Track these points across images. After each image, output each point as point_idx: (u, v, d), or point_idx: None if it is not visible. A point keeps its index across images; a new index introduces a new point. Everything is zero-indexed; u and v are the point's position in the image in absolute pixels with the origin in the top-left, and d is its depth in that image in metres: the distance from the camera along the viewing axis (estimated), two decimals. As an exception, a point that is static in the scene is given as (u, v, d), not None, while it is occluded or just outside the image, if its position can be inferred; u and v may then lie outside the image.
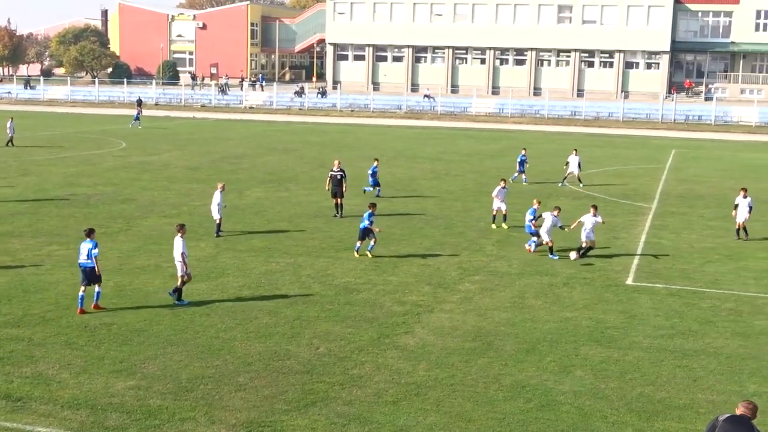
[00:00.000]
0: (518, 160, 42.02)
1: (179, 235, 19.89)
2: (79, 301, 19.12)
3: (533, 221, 26.42)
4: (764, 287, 22.88)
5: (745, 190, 29.93)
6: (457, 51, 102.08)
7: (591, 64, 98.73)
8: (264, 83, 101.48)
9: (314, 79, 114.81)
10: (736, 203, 29.63)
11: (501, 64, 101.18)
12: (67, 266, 22.76)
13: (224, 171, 43.10)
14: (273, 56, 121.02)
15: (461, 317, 19.58)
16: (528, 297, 21.39)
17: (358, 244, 25.20)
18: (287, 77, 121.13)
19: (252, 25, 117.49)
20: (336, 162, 32.16)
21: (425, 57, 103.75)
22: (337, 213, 31.23)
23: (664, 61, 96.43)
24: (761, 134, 76.37)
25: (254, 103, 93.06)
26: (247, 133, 64.70)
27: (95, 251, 18.94)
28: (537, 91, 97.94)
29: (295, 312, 19.60)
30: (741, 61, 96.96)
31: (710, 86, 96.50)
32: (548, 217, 26.05)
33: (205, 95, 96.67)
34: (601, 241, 28.12)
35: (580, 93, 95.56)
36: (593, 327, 19.10)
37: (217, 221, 27.57)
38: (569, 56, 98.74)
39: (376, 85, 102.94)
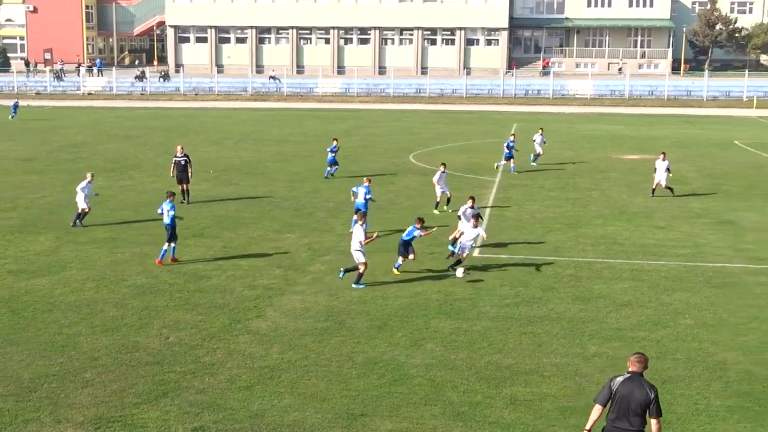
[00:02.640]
0: (505, 145, 38.95)
1: None
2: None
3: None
4: (601, 253, 23.95)
5: (664, 153, 33.12)
6: (301, 31, 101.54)
7: (434, 42, 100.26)
8: (102, 68, 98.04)
9: (155, 62, 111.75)
10: (655, 166, 32.68)
11: (345, 43, 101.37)
12: None
13: (62, 161, 41.47)
14: (111, 40, 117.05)
15: (313, 298, 19.60)
16: (378, 274, 21.60)
17: (399, 260, 21.79)
18: (127, 61, 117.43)
19: (87, 7, 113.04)
20: (179, 147, 31.46)
21: (269, 38, 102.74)
22: (184, 199, 30.59)
23: (503, 37, 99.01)
24: (596, 106, 79.66)
25: (93, 89, 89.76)
26: (87, 121, 62.40)
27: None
28: (382, 70, 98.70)
29: (143, 302, 19.13)
30: (575, 37, 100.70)
31: (547, 60, 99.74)
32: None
33: (40, 82, 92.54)
34: (447, 214, 28.71)
35: (424, 71, 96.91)
36: (442, 300, 19.51)
37: (80, 211, 26.78)
38: (412, 34, 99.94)
39: (220, 68, 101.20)
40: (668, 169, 32.41)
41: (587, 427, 10.87)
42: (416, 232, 21.51)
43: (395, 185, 35.12)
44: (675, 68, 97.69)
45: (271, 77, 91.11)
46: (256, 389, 14.50)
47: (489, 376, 15.16)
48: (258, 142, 49.54)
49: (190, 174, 31.00)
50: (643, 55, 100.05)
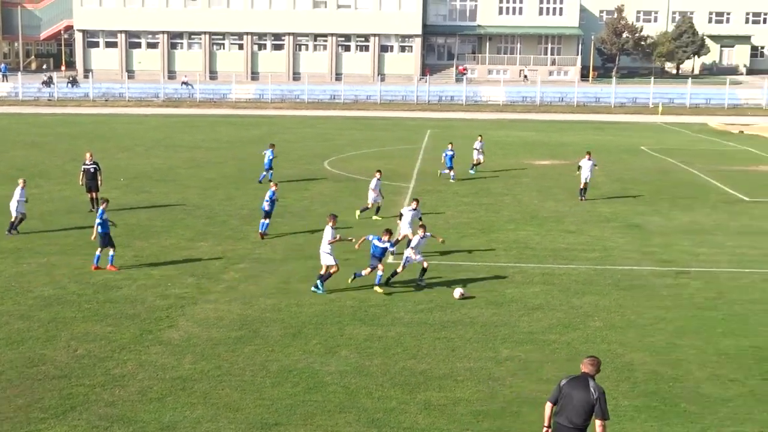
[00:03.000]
0: (444, 155, 38.59)
1: None
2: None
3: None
4: (513, 257, 24.28)
5: (589, 153, 34.12)
6: (213, 36, 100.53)
7: (348, 48, 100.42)
8: (7, 73, 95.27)
9: (63, 67, 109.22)
10: (579, 165, 33.76)
11: (259, 49, 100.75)
12: None
13: (-34, 168, 40.13)
14: (16, 44, 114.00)
15: (226, 307, 19.38)
16: (293, 282, 21.51)
17: (380, 272, 20.78)
18: (33, 66, 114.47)
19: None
20: (88, 154, 30.75)
21: (181, 43, 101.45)
22: (93, 208, 29.90)
23: (417, 44, 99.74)
24: (508, 112, 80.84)
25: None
26: (-9, 127, 60.54)
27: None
28: (296, 76, 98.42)
29: (50, 314, 18.62)
30: (487, 43, 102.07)
31: (460, 67, 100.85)
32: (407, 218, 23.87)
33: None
34: (363, 221, 28.78)
35: (338, 77, 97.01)
36: (357, 306, 19.50)
37: (13, 219, 26.24)
38: (326, 40, 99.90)
39: (130, 73, 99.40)
40: (595, 164, 33.83)
41: (545, 424, 11.17)
42: (384, 244, 20.46)
43: (309, 192, 35.02)
44: (584, 75, 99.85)
45: (183, 83, 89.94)
46: (168, 401, 14.25)
47: (403, 381, 15.21)
48: (170, 149, 48.81)
49: (99, 182, 30.36)
50: (553, 63, 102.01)
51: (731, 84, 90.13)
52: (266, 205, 26.43)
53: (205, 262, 23.39)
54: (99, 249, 22.40)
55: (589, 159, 33.70)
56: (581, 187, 33.67)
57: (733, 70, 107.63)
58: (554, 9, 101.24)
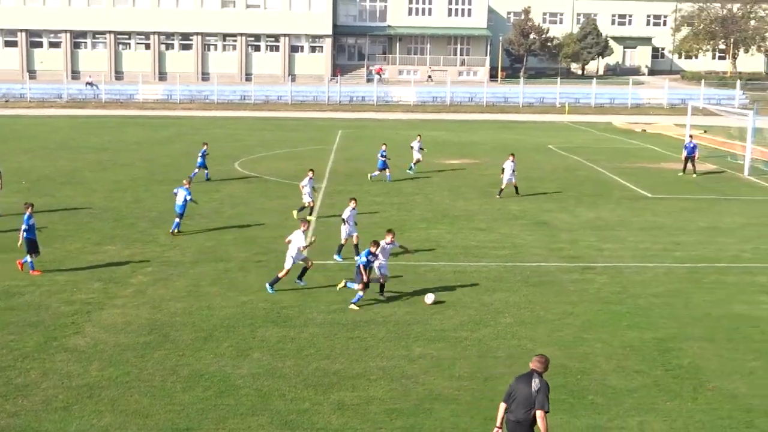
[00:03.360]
0: (379, 155, 38.44)
1: None
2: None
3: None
4: (425, 255, 24.45)
5: (512, 155, 34.73)
6: (119, 36, 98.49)
7: (258, 48, 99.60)
8: None
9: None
10: (503, 167, 34.32)
11: (167, 49, 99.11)
12: None
13: None
14: None
15: (135, 311, 19.00)
16: (204, 284, 21.23)
17: (360, 293, 19.49)
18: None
19: None
20: (-11, 157, 29.82)
21: (85, 42, 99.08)
22: (-6, 212, 28.99)
23: (327, 44, 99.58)
24: (419, 112, 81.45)
25: None
26: None
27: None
28: (205, 76, 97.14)
29: (-51, 323, 17.96)
30: (398, 44, 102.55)
31: (371, 68, 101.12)
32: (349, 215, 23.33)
33: None
34: (275, 222, 28.61)
35: (248, 77, 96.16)
36: (269, 308, 19.36)
37: None
38: (235, 40, 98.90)
39: (32, 73, 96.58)
40: (513, 171, 34.12)
41: (497, 424, 11.49)
42: (370, 256, 19.52)
43: (220, 193, 34.62)
44: (493, 76, 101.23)
45: (88, 83, 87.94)
46: (74, 409, 13.89)
47: (317, 382, 15.16)
48: (75, 151, 47.65)
49: None
50: (462, 63, 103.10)
51: (634, 84, 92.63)
52: (180, 205, 26.60)
53: (113, 266, 22.90)
54: (28, 255, 21.83)
55: (512, 161, 34.25)
56: (501, 187, 34.19)
57: (635, 71, 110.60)
58: (463, 10, 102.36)
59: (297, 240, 20.51)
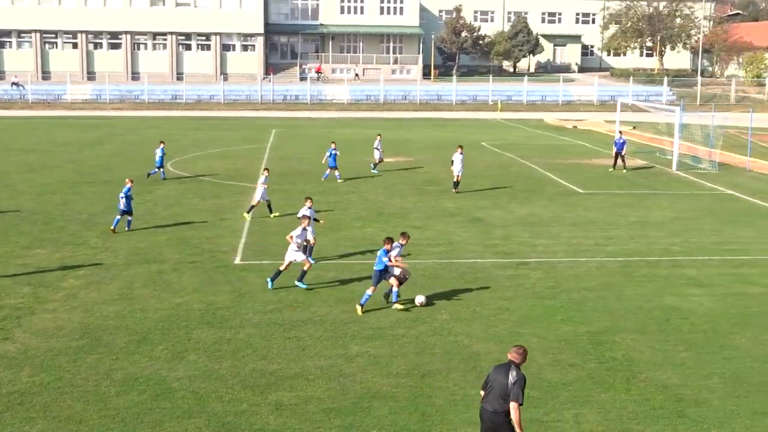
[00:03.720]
0: (328, 155, 38.06)
1: None
2: None
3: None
4: (361, 254, 24.44)
5: (461, 147, 35.67)
6: (45, 35, 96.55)
7: (189, 47, 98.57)
8: None
9: None
10: (452, 159, 35.19)
11: (95, 48, 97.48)
12: None
13: None
14: None
15: (66, 316, 18.63)
16: (137, 287, 20.92)
17: (369, 292, 19.18)
18: None
19: None
20: None
21: (9, 42, 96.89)
22: None
23: (260, 43, 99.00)
24: (353, 111, 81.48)
25: None
26: None
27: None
28: (135, 76, 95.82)
29: None
30: (330, 42, 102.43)
31: (304, 66, 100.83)
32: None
33: None
34: (209, 222, 28.35)
35: (179, 76, 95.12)
36: (204, 309, 19.16)
37: None
38: (166, 39, 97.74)
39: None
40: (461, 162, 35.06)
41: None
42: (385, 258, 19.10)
43: (153, 194, 34.14)
44: (426, 74, 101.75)
45: (13, 83, 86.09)
46: (5, 417, 13.56)
47: (254, 383, 15.05)
48: (1, 153, 46.53)
49: (-77, 189, 28.65)
50: (395, 61, 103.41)
51: (564, 81, 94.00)
52: (122, 203, 26.38)
53: (43, 269, 22.41)
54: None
55: (461, 153, 35.15)
56: (454, 180, 35.12)
57: (566, 68, 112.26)
58: (395, 8, 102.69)
59: (296, 236, 20.59)
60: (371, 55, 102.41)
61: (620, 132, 45.38)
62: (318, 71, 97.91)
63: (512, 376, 11.24)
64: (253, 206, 29.42)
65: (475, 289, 21.03)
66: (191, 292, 20.52)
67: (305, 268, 20.69)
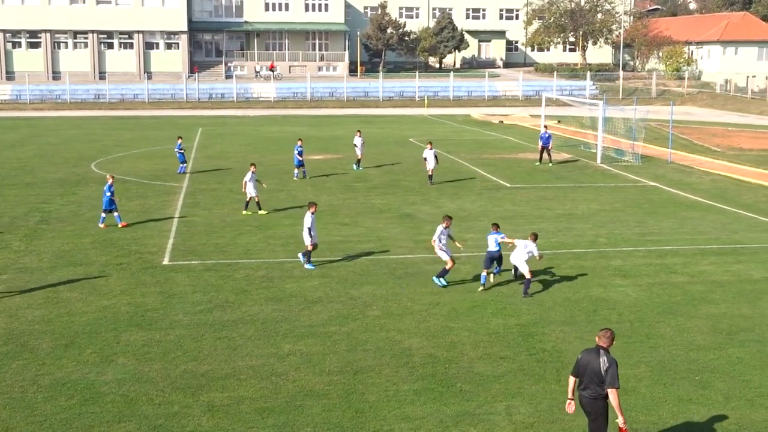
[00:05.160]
0: (296, 152, 38.07)
1: None
2: None
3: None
4: (291, 252, 24.33)
5: (431, 143, 37.59)
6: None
7: (111, 46, 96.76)
8: None
9: None
10: (424, 156, 36.89)
11: (14, 47, 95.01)
12: None
13: None
14: None
15: (-11, 321, 18.16)
16: (63, 290, 20.49)
17: (485, 273, 20.94)
18: None
19: None
20: None
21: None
22: None
23: (184, 41, 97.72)
24: (280, 108, 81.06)
25: None
26: None
27: None
28: (56, 75, 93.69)
29: None
30: (255, 40, 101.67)
31: (229, 64, 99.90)
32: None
33: None
34: (135, 223, 27.91)
35: (102, 75, 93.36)
36: (133, 312, 18.87)
37: None
38: (87, 38, 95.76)
39: None
40: (436, 157, 36.43)
41: (569, 396, 12.01)
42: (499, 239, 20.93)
43: (77, 196, 33.48)
44: (352, 70, 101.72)
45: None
46: (-73, 427, 13.18)
47: (185, 385, 14.88)
48: None
49: None
50: (321, 58, 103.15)
51: (490, 77, 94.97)
52: (105, 200, 27.22)
53: (-37, 275, 21.81)
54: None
55: (431, 149, 36.60)
56: (429, 174, 36.45)
57: (491, 64, 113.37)
58: (320, 5, 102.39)
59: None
60: (297, 53, 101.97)
61: (545, 126, 46.05)
62: (271, 68, 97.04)
63: (604, 362, 11.46)
64: (255, 200, 30.04)
65: (405, 285, 21.12)
66: (119, 294, 20.19)
67: (447, 267, 21.01)
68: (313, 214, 22.54)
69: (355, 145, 41.39)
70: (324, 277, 21.81)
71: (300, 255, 22.92)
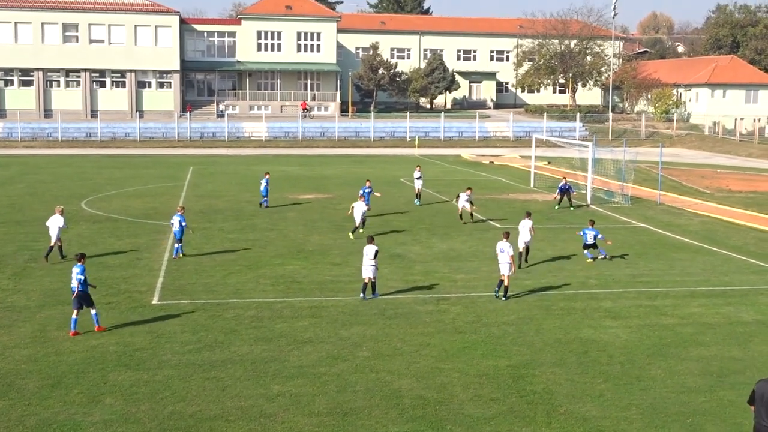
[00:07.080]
0: (264, 185, 40.72)
1: None
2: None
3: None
4: (281, 292, 24.28)
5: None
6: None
7: (103, 84, 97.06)
8: None
9: None
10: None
11: (6, 85, 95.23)
12: None
13: None
14: None
15: (-24, 361, 18.00)
16: (51, 329, 20.34)
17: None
18: None
19: None
20: None
21: None
22: None
23: (176, 80, 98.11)
24: (271, 147, 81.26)
25: None
26: None
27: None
28: (48, 113, 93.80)
29: None
30: (247, 79, 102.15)
31: (221, 104, 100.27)
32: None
33: None
34: (126, 262, 27.81)
35: (94, 114, 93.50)
36: (121, 351, 18.73)
37: None
38: (79, 76, 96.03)
39: None
40: (471, 202, 37.21)
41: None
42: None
43: (67, 234, 33.24)
44: (344, 110, 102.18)
45: None
46: None
47: (172, 426, 14.74)
48: None
49: None
50: (313, 98, 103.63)
51: (480, 118, 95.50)
52: (176, 230, 28.59)
53: (-50, 313, 21.65)
54: (76, 311, 20.09)
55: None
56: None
57: (481, 104, 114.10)
58: (312, 46, 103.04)
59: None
60: (289, 92, 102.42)
61: (564, 178, 45.18)
62: (304, 108, 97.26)
63: None
64: (356, 227, 32.65)
65: (396, 326, 21.05)
66: (107, 333, 20.06)
67: (506, 282, 23.47)
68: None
69: (416, 178, 43.84)
70: (314, 317, 21.72)
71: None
